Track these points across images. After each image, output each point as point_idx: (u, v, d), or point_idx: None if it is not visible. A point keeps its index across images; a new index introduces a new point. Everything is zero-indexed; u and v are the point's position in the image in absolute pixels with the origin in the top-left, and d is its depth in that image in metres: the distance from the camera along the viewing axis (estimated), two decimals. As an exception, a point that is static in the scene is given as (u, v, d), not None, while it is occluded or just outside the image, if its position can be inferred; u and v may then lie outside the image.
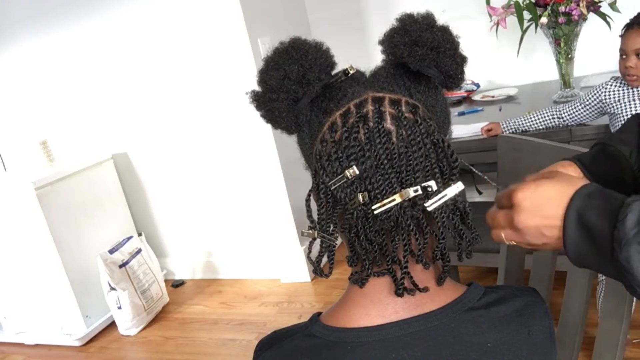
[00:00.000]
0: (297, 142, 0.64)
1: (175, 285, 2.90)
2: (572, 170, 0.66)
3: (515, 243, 0.56)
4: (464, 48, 0.61)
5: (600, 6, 1.88)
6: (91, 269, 2.47)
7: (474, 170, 0.64)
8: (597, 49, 2.24)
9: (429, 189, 0.54)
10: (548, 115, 1.77)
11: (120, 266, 2.46)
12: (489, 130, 1.84)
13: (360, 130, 0.54)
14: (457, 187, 0.55)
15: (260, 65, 0.62)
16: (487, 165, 2.26)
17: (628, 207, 0.46)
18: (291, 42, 0.60)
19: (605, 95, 1.60)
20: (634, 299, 0.93)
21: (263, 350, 0.62)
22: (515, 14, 1.96)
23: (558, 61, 2.00)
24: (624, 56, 1.53)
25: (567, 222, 0.50)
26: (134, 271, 2.52)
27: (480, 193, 2.59)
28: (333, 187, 0.55)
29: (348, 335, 0.57)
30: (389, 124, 0.55)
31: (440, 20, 0.60)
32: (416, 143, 0.54)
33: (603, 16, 1.90)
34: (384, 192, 0.53)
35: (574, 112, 1.72)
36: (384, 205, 0.53)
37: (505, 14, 2.04)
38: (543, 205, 0.51)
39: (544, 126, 1.78)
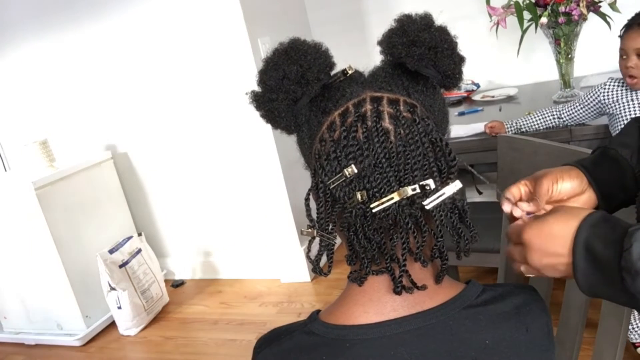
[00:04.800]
0: (297, 142, 0.65)
1: (175, 285, 2.90)
2: (575, 174, 0.66)
3: (538, 275, 0.57)
4: (464, 48, 0.62)
5: (600, 6, 1.88)
6: (91, 269, 2.47)
7: (472, 170, 0.64)
8: (597, 49, 2.24)
9: (427, 188, 0.54)
10: (548, 116, 1.77)
11: (120, 266, 2.47)
12: (493, 127, 1.83)
13: (358, 129, 0.55)
14: (455, 186, 0.55)
15: (260, 65, 0.62)
16: (487, 165, 2.26)
17: (632, 236, 0.47)
18: (290, 43, 0.60)
19: (603, 96, 1.60)
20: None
21: (262, 348, 0.62)
22: (515, 14, 1.96)
23: (558, 61, 2.00)
24: (624, 56, 1.51)
25: (576, 255, 0.50)
26: (134, 271, 2.52)
27: (480, 193, 2.59)
28: (332, 186, 0.55)
29: (347, 333, 0.57)
30: (387, 123, 0.55)
31: (438, 20, 0.61)
32: (414, 142, 0.54)
33: (603, 16, 1.90)
34: (382, 190, 0.54)
35: (573, 113, 1.72)
36: (383, 203, 0.53)
37: (505, 14, 2.04)
38: (551, 243, 0.52)
39: (544, 126, 1.78)
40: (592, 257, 0.49)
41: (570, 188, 0.65)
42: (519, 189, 0.65)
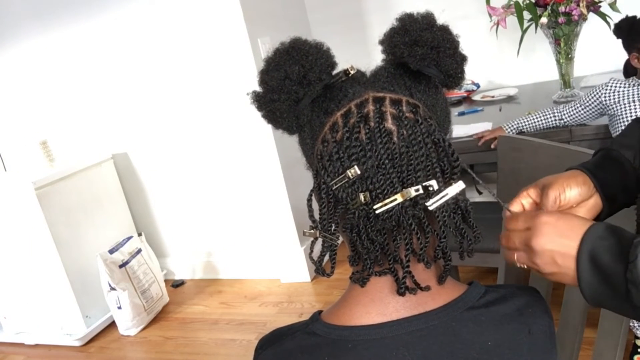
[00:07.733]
0: (299, 143, 0.64)
1: (175, 285, 2.90)
2: (582, 180, 0.64)
3: (526, 266, 0.56)
4: (464, 48, 0.61)
5: (600, 6, 1.88)
6: (91, 269, 2.47)
7: (473, 174, 0.63)
8: (597, 49, 2.24)
9: (430, 188, 0.54)
10: (548, 116, 1.77)
11: (120, 266, 2.46)
12: (487, 140, 1.81)
13: (361, 130, 0.55)
14: (458, 186, 0.55)
15: (260, 65, 0.62)
16: (487, 165, 2.26)
17: (637, 247, 0.47)
18: (292, 43, 0.60)
19: (604, 97, 1.60)
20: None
21: (264, 349, 0.62)
22: (515, 14, 1.97)
23: (558, 61, 2.01)
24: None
25: (581, 265, 0.50)
26: (134, 271, 2.52)
27: (480, 193, 2.59)
28: (334, 187, 0.55)
29: (349, 334, 0.57)
30: (389, 124, 0.55)
31: (440, 19, 0.60)
32: (417, 143, 0.54)
33: (603, 16, 1.90)
34: (385, 191, 0.53)
35: (573, 113, 1.72)
36: (386, 204, 0.53)
37: (505, 14, 2.04)
38: (563, 232, 0.52)
39: (544, 126, 1.78)
40: (598, 269, 0.49)
41: (578, 195, 0.63)
42: (521, 204, 0.64)
